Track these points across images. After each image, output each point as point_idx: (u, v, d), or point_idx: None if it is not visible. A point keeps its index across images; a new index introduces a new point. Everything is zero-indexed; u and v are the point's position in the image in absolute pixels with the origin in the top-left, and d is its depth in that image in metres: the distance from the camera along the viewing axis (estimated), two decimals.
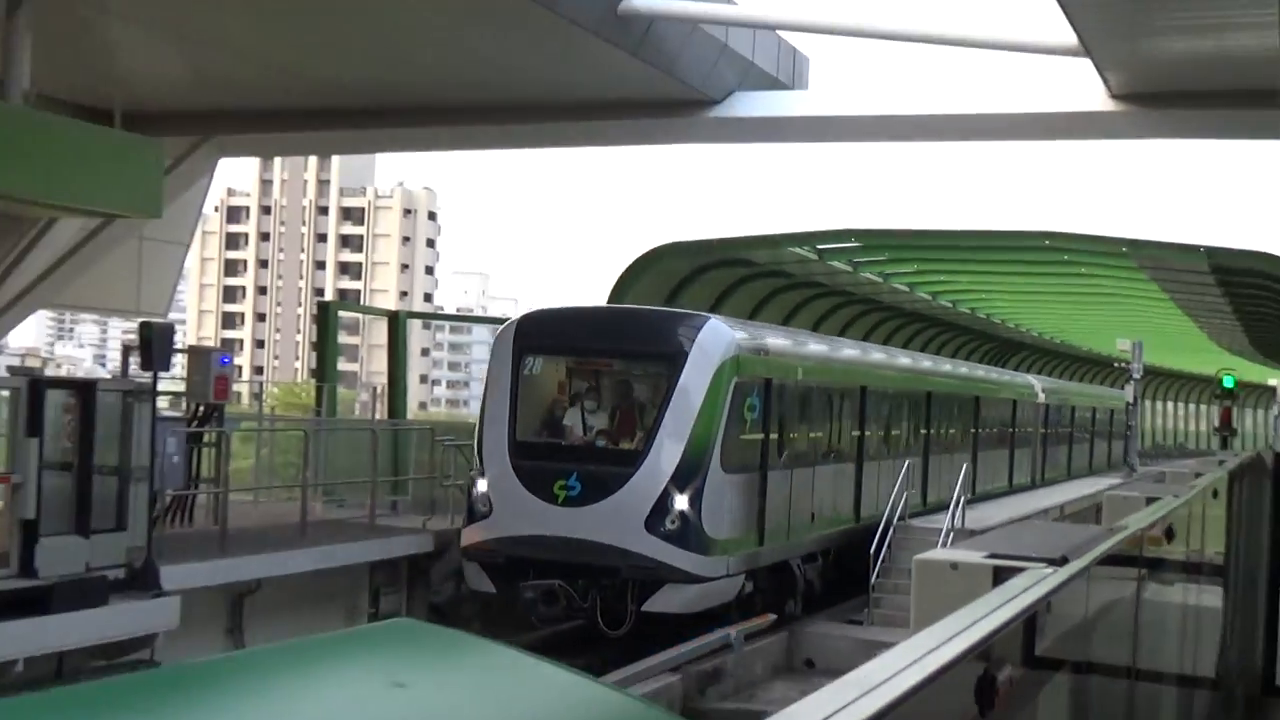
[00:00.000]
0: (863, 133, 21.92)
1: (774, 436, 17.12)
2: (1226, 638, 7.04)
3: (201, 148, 23.48)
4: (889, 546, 19.41)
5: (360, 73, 20.85)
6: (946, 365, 29.59)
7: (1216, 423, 45.49)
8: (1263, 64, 14.45)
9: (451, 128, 23.10)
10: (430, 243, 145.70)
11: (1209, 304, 36.73)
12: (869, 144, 22.71)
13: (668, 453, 15.22)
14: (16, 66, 14.44)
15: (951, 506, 20.47)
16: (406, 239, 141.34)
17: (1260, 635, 7.62)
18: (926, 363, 28.30)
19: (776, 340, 17.66)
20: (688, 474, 15.11)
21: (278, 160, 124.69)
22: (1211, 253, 27.54)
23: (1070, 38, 16.55)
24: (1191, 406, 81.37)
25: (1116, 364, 40.08)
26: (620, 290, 27.81)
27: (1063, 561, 3.61)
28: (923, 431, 25.03)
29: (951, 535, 19.21)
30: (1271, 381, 55.88)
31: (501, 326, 18.68)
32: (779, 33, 20.97)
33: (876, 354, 25.30)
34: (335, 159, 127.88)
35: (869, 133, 21.88)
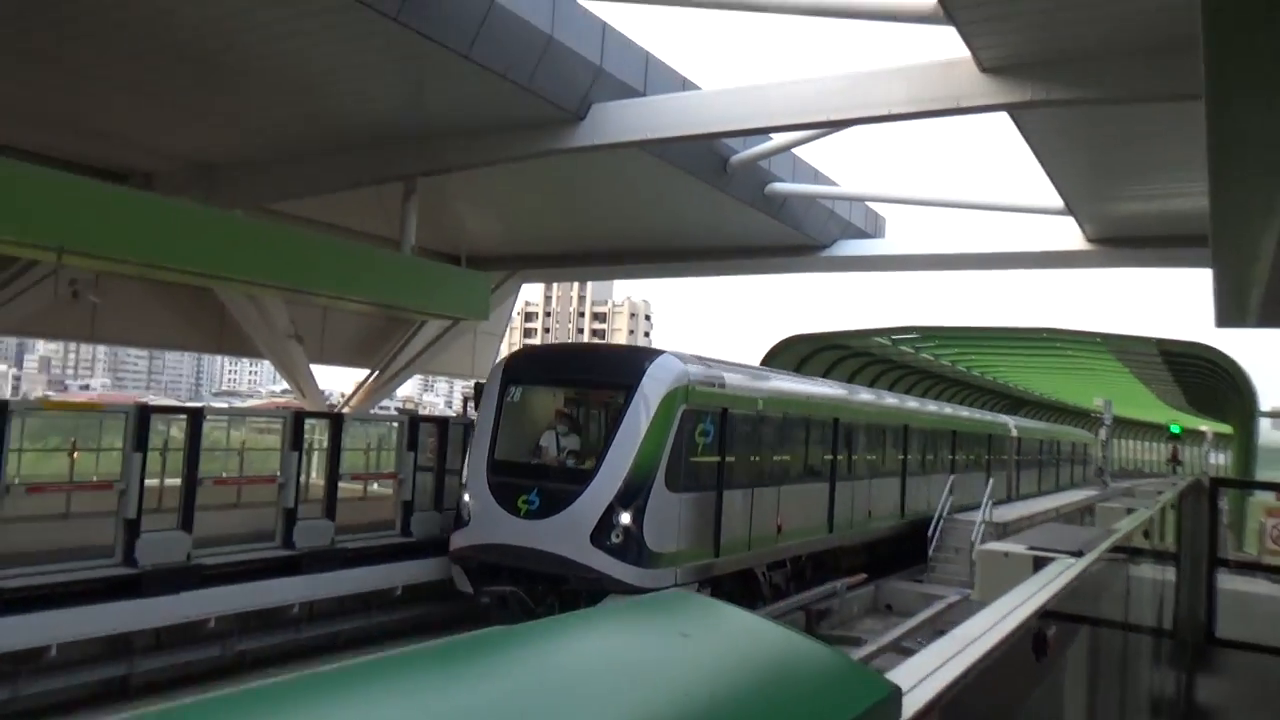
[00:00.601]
0: (920, 265, 21.40)
1: (732, 459, 12.78)
2: (1179, 603, 6.58)
3: (511, 278, 24.25)
4: (940, 533, 18.62)
5: (609, 231, 21.46)
6: (931, 405, 23.66)
7: (1168, 456, 45.53)
8: (1194, 218, 13.58)
9: (662, 264, 23.38)
10: (646, 334, 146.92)
11: (1158, 375, 34.53)
12: (925, 271, 22.06)
13: (614, 473, 11.46)
14: (407, 231, 15.03)
15: (981, 509, 19.29)
16: (631, 332, 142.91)
17: (1202, 602, 7.13)
18: (911, 403, 22.36)
19: (735, 376, 13.41)
20: (632, 493, 11.32)
21: (555, 284, 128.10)
22: (1160, 342, 26.09)
23: (1059, 202, 15.95)
24: (1146, 443, 76.46)
25: (1093, 414, 37.62)
26: (767, 364, 27.60)
27: (1080, 553, 3.42)
28: (900, 457, 19.38)
29: (982, 527, 18.30)
30: (1202, 428, 52.40)
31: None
32: (866, 203, 20.79)
33: (862, 394, 19.41)
34: (590, 283, 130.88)
35: (924, 265, 21.35)
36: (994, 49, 10.02)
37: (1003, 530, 18.73)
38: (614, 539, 11.13)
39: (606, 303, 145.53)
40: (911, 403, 21.56)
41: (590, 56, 12.51)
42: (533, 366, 13.80)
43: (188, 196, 15.86)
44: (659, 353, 12.41)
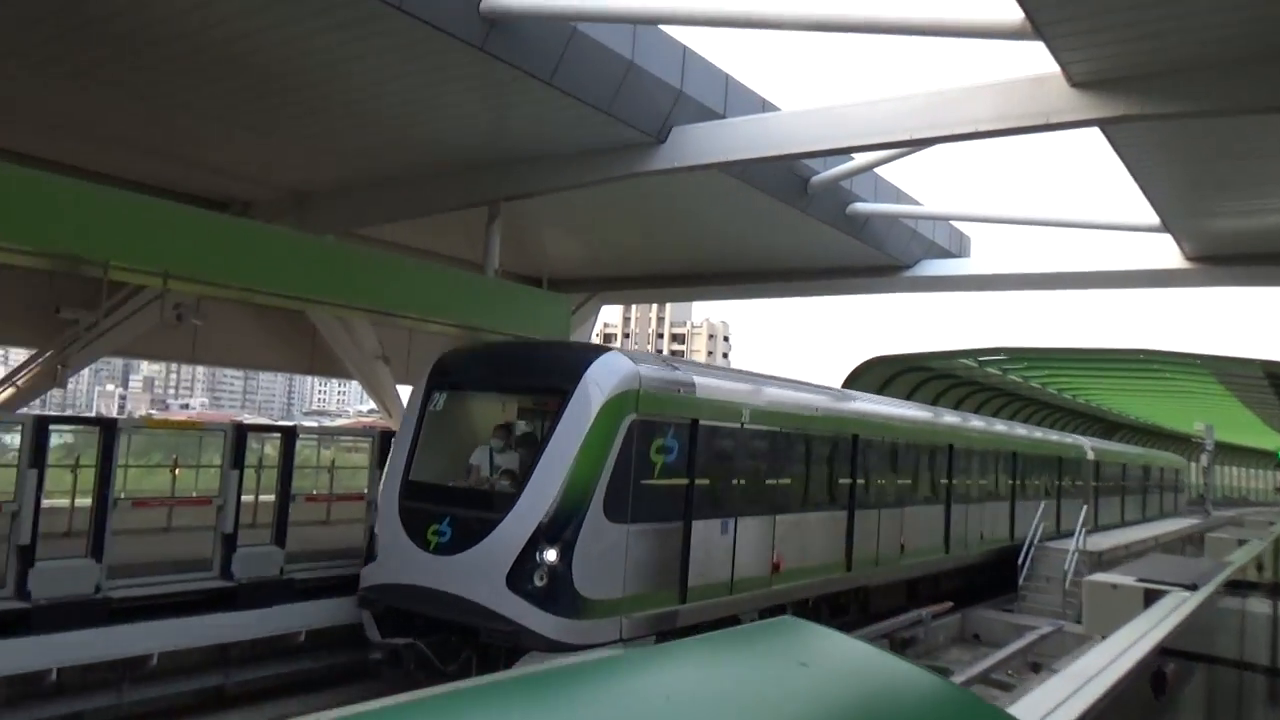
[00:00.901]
0: (1007, 285, 20.88)
1: (706, 482, 10.19)
2: None
3: (591, 299, 24.49)
4: (1031, 560, 18.01)
5: (688, 253, 21.51)
6: (978, 422, 20.24)
7: (1276, 485, 42.90)
8: None
9: (742, 285, 23.30)
10: (725, 355, 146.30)
11: (1263, 399, 32.74)
12: (1013, 292, 21.51)
13: (539, 499, 8.92)
14: (491, 254, 15.33)
15: (1075, 536, 18.55)
16: (710, 353, 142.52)
17: None
18: (950, 418, 18.69)
19: (711, 381, 10.79)
20: (560, 523, 8.77)
21: (634, 305, 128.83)
22: (1265, 364, 24.82)
23: (1155, 219, 15.41)
24: (1250, 470, 72.47)
25: (1194, 439, 35.91)
26: (848, 386, 27.22)
27: (1194, 586, 3.24)
28: (943, 481, 16.44)
29: (1076, 556, 17.62)
30: None
31: None
32: (951, 222, 20.42)
33: (887, 407, 15.87)
34: (668, 304, 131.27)
35: (1011, 285, 20.83)
36: (1085, 63, 9.77)
37: (1098, 560, 18.03)
38: (536, 581, 8.65)
39: (685, 324, 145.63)
40: (952, 418, 18.69)
41: (670, 80, 12.62)
42: (461, 368, 10.96)
43: (283, 223, 16.52)
44: (603, 350, 9.94)
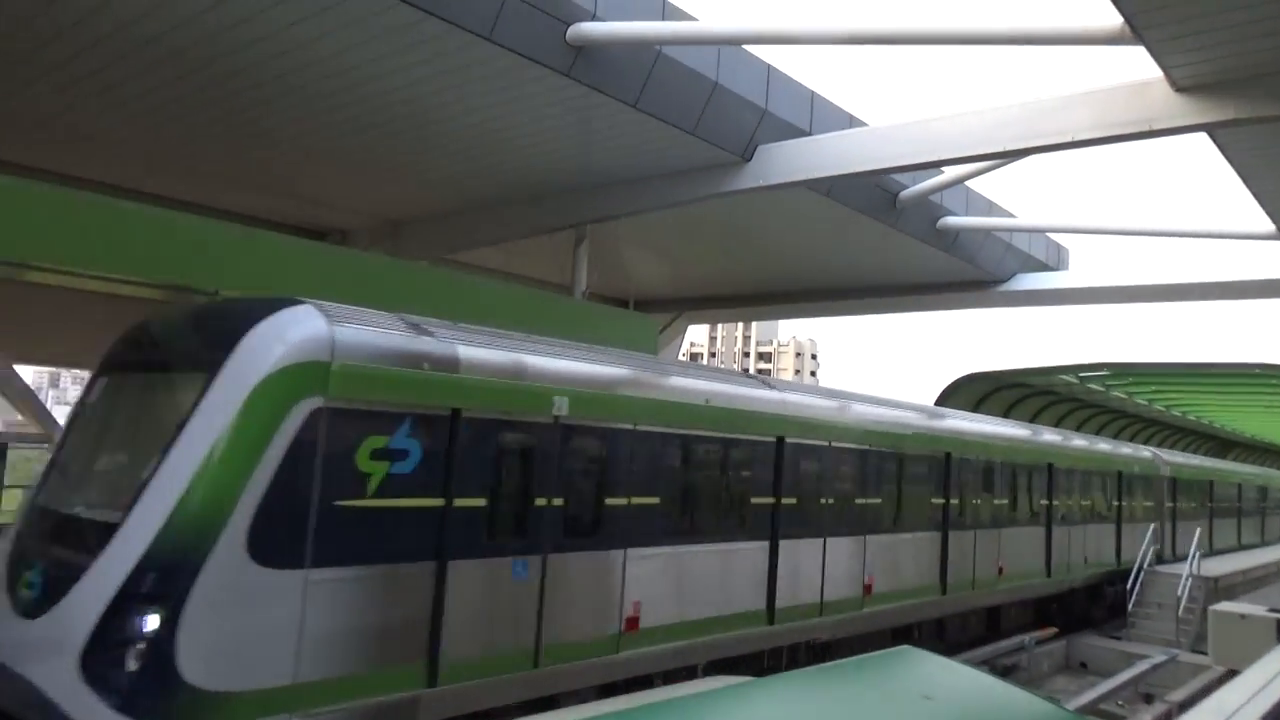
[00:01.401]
0: (1108, 298, 20.11)
1: (480, 503, 6.97)
2: None
3: (677, 320, 24.56)
4: (1141, 585, 17.22)
5: (775, 271, 21.43)
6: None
7: None
8: None
9: (830, 302, 23.03)
10: (813, 373, 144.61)
11: None
12: (1114, 305, 20.74)
13: (142, 533, 5.50)
14: (578, 277, 15.50)
15: (1189, 560, 17.65)
16: (797, 371, 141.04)
17: None
18: (957, 421, 14.44)
19: (494, 352, 7.35)
20: (167, 571, 5.40)
21: (720, 324, 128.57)
22: None
23: (1269, 226, 14.65)
24: None
25: None
26: (940, 404, 26.57)
27: None
28: (937, 501, 12.82)
29: (1190, 581, 16.76)
30: None
31: None
32: (1047, 234, 19.83)
33: (822, 402, 11.16)
34: (754, 323, 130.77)
35: (1112, 298, 20.05)
36: (1189, 67, 9.39)
37: (1214, 586, 17.14)
38: (122, 664, 5.29)
39: (771, 342, 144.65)
40: (958, 420, 15.04)
41: (755, 99, 12.61)
42: (130, 342, 7.22)
43: (379, 250, 17.04)
44: (279, 305, 6.45)
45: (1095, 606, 17.46)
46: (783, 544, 9.95)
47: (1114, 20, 8.73)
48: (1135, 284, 18.66)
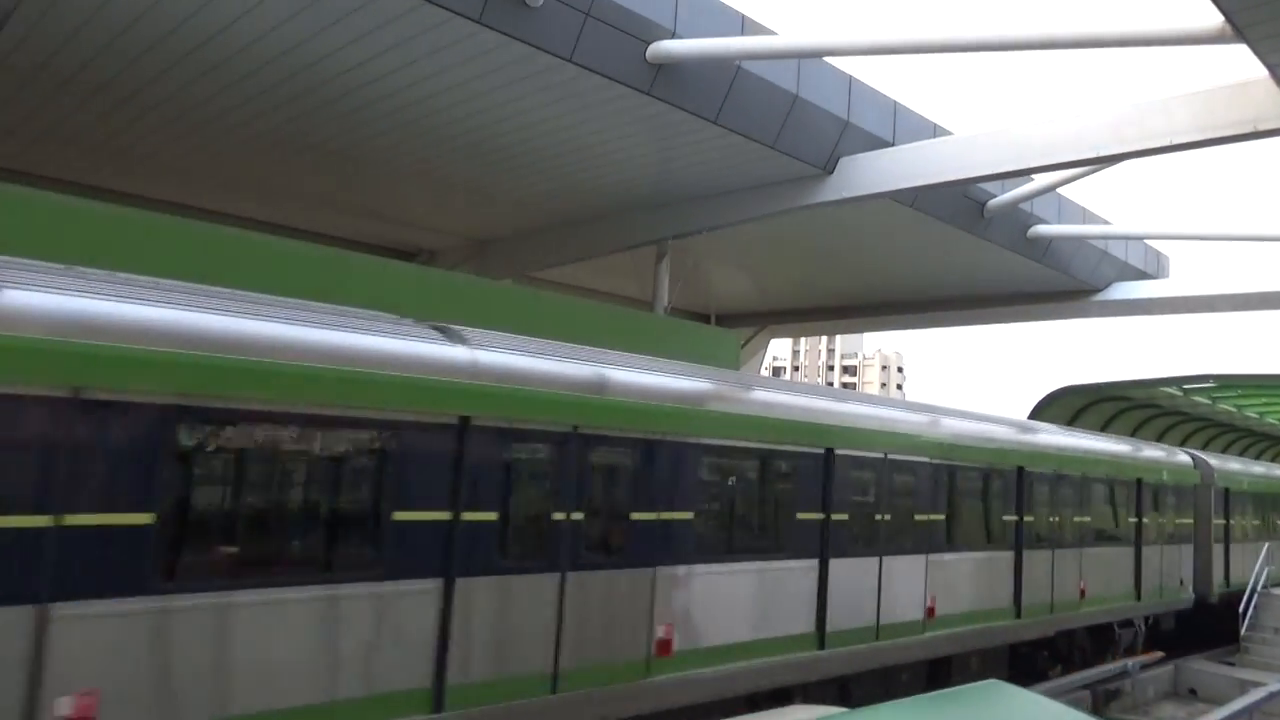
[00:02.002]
0: (1211, 306, 19.18)
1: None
2: None
3: (760, 334, 24.42)
4: (1255, 608, 16.35)
5: (859, 283, 21.14)
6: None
7: None
8: None
9: (916, 314, 22.59)
10: (899, 386, 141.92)
11: None
12: (1219, 314, 19.82)
13: None
14: (659, 292, 15.58)
15: None
16: (883, 385, 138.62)
17: None
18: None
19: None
20: None
21: (804, 338, 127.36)
22: None
23: None
24: None
25: None
26: (1034, 417, 25.76)
27: None
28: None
29: None
30: None
31: None
32: (1145, 241, 19.12)
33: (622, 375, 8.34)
34: (838, 336, 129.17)
35: (1216, 306, 19.11)
36: None
37: None
38: None
39: (856, 355, 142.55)
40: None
41: (836, 111, 12.50)
42: None
43: (465, 269, 17.42)
44: None
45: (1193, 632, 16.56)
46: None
47: (1213, 19, 8.39)
48: (1241, 291, 17.79)
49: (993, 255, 16.85)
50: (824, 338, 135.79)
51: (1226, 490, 18.70)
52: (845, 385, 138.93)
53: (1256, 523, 20.17)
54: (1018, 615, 12.39)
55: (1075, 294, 19.28)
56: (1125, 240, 18.56)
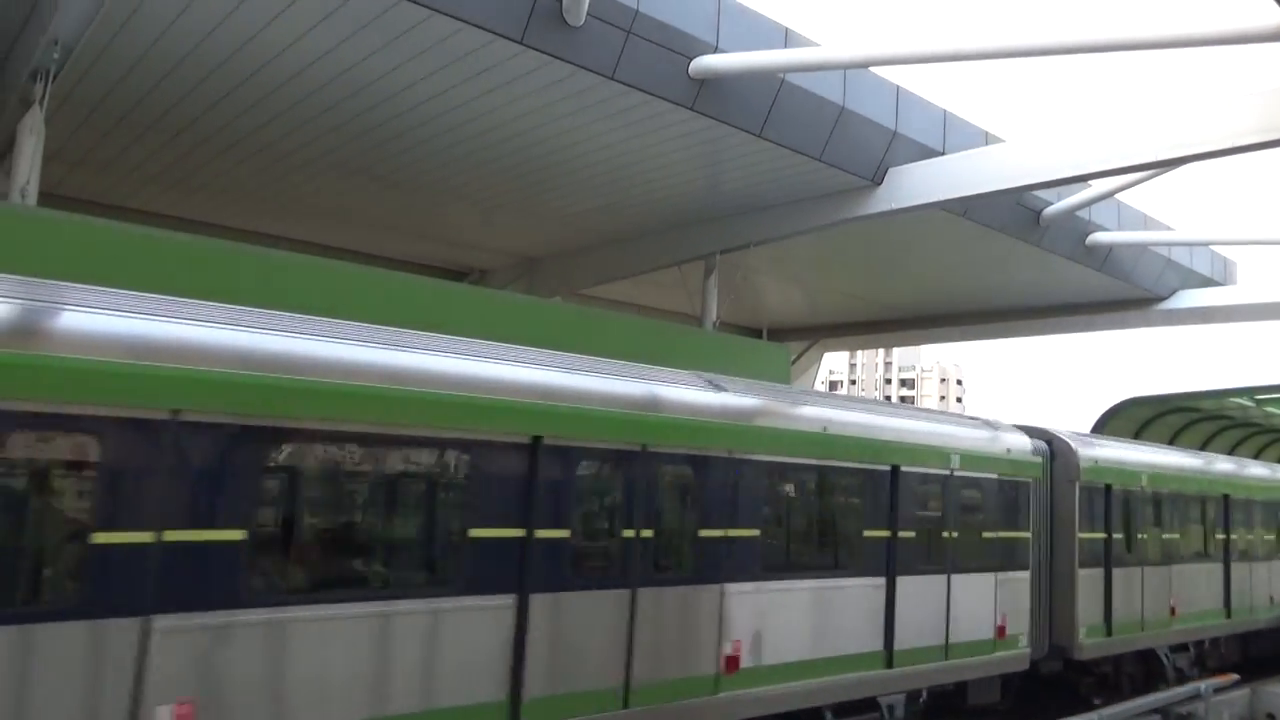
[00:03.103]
0: None
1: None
2: None
3: (812, 348, 24.16)
4: None
5: (913, 295, 20.83)
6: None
7: None
8: None
9: (972, 326, 22.22)
10: (959, 399, 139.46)
11: None
12: None
13: None
14: (708, 307, 15.51)
15: None
16: (943, 397, 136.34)
17: None
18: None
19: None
20: None
21: (860, 352, 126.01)
22: None
23: None
24: None
25: None
26: (1098, 430, 25.03)
27: None
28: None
29: None
30: None
31: None
32: (1210, 247, 18.50)
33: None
34: (895, 349, 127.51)
35: None
36: None
37: None
38: None
39: (914, 368, 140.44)
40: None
41: (884, 122, 12.33)
42: None
43: (516, 287, 17.54)
44: None
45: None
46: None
47: (1272, 18, 8.09)
48: None
49: (1050, 264, 16.45)
50: (881, 350, 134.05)
51: (1107, 488, 12.81)
52: (903, 398, 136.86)
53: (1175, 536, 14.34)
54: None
55: (1139, 302, 18.74)
56: (1190, 247, 18.00)
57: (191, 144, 12.20)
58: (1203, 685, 13.27)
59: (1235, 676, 14.21)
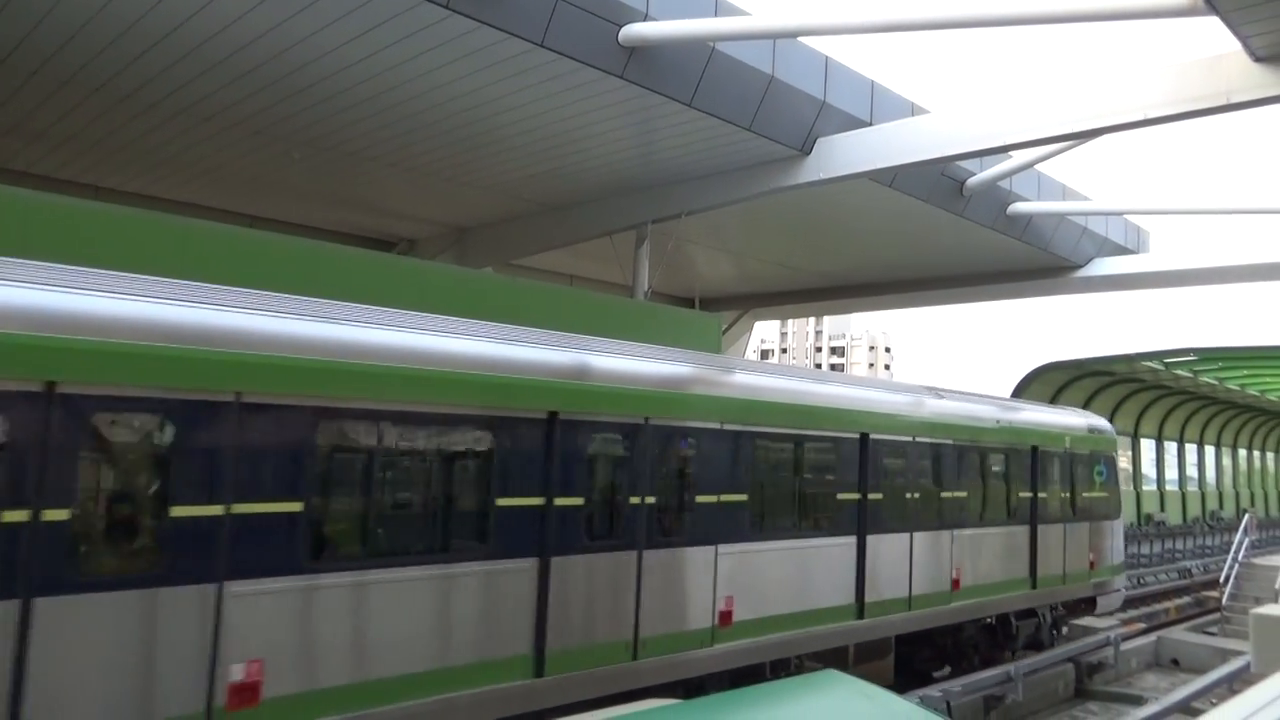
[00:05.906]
0: (1192, 280, 19.32)
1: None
2: None
3: (744, 317, 24.40)
4: (1236, 578, 16.50)
5: (842, 265, 21.13)
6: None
7: None
8: None
9: (900, 294, 22.66)
10: (887, 366, 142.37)
11: None
12: (1200, 287, 19.87)
13: None
14: (639, 276, 15.52)
15: None
16: (871, 364, 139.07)
17: None
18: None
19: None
20: None
21: (790, 320, 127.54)
22: None
23: None
24: None
25: None
26: (1018, 394, 25.86)
27: None
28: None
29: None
30: None
31: None
32: (1125, 217, 19.14)
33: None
34: (825, 318, 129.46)
35: (1197, 280, 19.24)
36: (1267, 35, 8.94)
37: None
38: None
39: (844, 336, 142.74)
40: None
41: (813, 92, 12.43)
42: None
43: (445, 258, 17.30)
44: None
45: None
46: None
47: None
48: (1220, 265, 17.89)
49: (973, 233, 16.87)
50: (811, 319, 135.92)
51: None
52: (833, 366, 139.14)
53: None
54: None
55: (1057, 270, 19.35)
56: (1105, 216, 18.62)
57: (103, 107, 11.71)
58: (1112, 634, 13.98)
59: (1142, 626, 15.00)
